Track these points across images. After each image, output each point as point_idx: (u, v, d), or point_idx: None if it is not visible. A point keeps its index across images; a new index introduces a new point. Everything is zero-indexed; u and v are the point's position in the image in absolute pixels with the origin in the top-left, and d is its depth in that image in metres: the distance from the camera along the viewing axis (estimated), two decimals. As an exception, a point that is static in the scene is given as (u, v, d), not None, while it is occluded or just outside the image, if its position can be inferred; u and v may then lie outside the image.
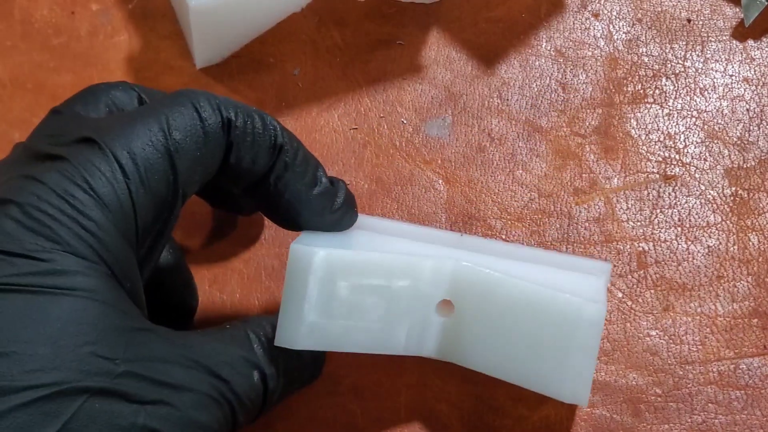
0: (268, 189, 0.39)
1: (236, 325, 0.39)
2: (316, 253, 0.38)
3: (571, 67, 0.52)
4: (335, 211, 0.41)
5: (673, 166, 0.49)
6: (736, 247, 0.47)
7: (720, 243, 0.47)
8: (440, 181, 0.48)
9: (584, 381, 0.40)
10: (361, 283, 0.39)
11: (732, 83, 0.51)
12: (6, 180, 0.36)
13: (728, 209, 0.48)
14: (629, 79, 0.51)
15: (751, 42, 0.53)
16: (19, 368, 0.31)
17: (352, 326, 0.39)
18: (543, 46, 0.52)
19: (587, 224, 0.47)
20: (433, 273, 0.40)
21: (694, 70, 0.52)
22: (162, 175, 0.36)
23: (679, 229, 0.47)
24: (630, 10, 0.53)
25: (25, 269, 0.33)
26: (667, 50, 0.52)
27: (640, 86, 0.51)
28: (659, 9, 0.53)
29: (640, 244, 0.47)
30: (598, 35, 0.53)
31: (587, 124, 0.50)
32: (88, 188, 0.34)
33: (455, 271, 0.40)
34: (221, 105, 0.37)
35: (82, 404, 0.32)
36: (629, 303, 0.45)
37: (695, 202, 0.48)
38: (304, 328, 0.38)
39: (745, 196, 0.48)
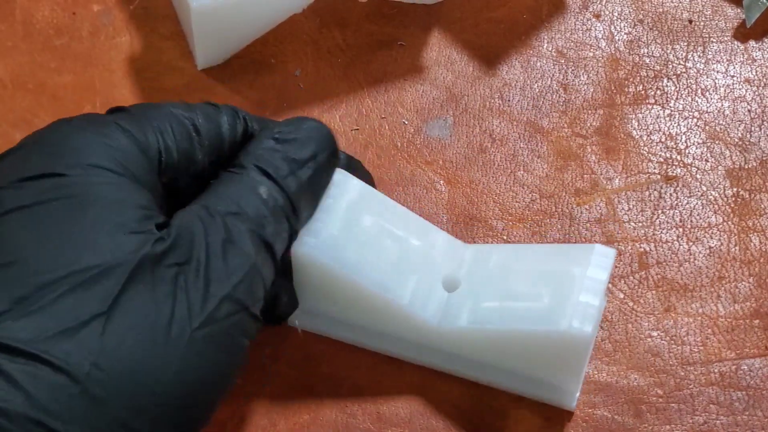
0: None
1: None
2: (353, 179, 0.42)
3: (573, 67, 0.52)
4: None
5: (674, 167, 0.49)
6: (737, 248, 0.47)
7: (721, 244, 0.47)
8: (441, 181, 0.48)
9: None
10: (383, 224, 0.42)
11: (733, 84, 0.51)
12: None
13: (730, 210, 0.48)
14: (630, 79, 0.51)
15: (752, 43, 0.53)
16: (58, 260, 0.32)
17: (367, 258, 0.41)
18: (544, 47, 0.52)
19: (588, 225, 0.47)
20: (446, 246, 0.43)
21: (695, 70, 0.52)
22: (185, 132, 0.38)
23: (681, 230, 0.47)
24: (631, 11, 0.53)
25: (50, 185, 0.34)
26: (668, 51, 0.52)
27: (641, 87, 0.51)
28: (660, 10, 0.53)
29: (642, 245, 0.47)
30: (600, 36, 0.53)
31: (588, 124, 0.50)
32: (116, 124, 0.37)
33: (464, 251, 0.43)
34: (237, 109, 0.41)
35: (127, 279, 0.33)
36: (630, 304, 0.45)
37: (696, 203, 0.48)
38: (325, 237, 0.40)
39: (747, 197, 0.48)
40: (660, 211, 0.48)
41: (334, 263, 0.40)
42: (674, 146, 0.49)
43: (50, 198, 0.34)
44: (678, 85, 0.51)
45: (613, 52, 0.52)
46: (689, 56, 0.52)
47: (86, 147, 0.36)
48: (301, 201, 0.38)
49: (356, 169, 0.43)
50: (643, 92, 0.51)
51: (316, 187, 0.39)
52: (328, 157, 0.40)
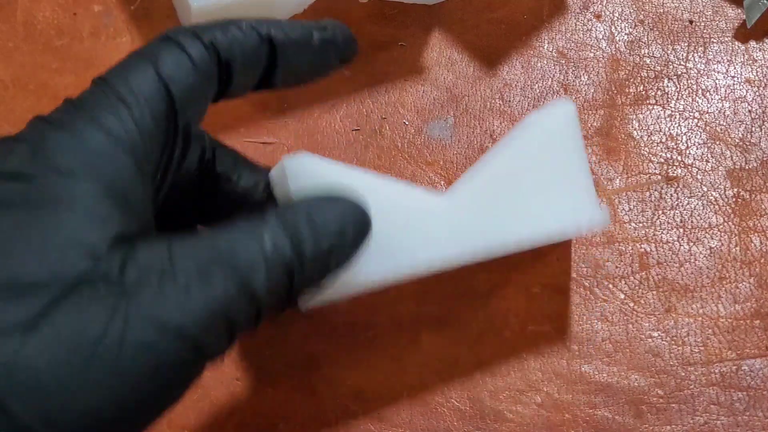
0: (280, 76, 0.40)
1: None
2: (329, 163, 0.38)
3: (573, 68, 0.52)
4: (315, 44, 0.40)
5: (675, 168, 0.49)
6: (738, 248, 0.47)
7: (722, 244, 0.47)
8: (442, 182, 0.48)
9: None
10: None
11: (734, 84, 0.51)
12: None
13: (730, 210, 0.48)
14: (631, 80, 0.51)
15: (753, 43, 0.53)
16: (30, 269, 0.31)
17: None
18: (545, 47, 0.52)
19: (589, 225, 0.47)
20: (430, 193, 0.40)
21: (696, 71, 0.52)
22: (160, 103, 0.36)
23: (681, 230, 0.47)
24: (632, 11, 0.53)
25: (12, 188, 0.33)
26: (669, 51, 0.52)
27: (642, 87, 0.51)
28: (661, 10, 0.53)
29: (642, 246, 0.47)
30: (600, 36, 0.53)
31: (589, 125, 0.50)
32: (93, 123, 0.35)
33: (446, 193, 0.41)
34: (200, 33, 0.38)
35: (60, 295, 0.31)
36: (631, 304, 0.45)
37: (697, 204, 0.48)
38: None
39: (747, 197, 0.48)
40: (661, 212, 0.48)
41: (328, 163, 0.38)
42: (675, 147, 0.49)
43: (11, 201, 0.33)
44: (679, 86, 0.51)
45: (614, 52, 0.52)
46: (690, 57, 0.52)
47: (58, 149, 0.34)
48: (315, 266, 0.35)
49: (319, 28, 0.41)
50: (643, 93, 0.51)
51: (329, 263, 0.36)
52: (357, 234, 0.36)
